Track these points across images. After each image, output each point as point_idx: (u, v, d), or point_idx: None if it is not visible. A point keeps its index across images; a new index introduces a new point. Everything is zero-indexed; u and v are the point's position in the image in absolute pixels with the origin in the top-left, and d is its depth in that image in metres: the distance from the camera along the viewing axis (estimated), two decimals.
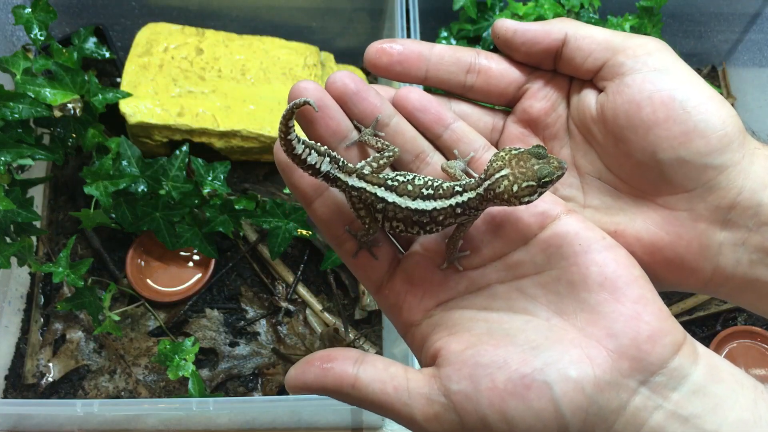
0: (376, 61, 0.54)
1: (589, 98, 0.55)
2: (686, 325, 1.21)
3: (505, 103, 0.58)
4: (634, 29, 1.23)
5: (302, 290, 1.20)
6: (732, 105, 1.39)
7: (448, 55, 0.55)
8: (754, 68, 1.40)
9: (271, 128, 1.20)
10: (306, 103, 0.50)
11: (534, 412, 0.45)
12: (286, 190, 1.21)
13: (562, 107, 0.57)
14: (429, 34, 1.27)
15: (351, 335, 1.16)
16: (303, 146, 0.51)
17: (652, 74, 0.51)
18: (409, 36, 1.14)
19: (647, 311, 0.47)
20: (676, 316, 1.20)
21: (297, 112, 0.51)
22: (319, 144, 0.51)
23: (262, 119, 1.20)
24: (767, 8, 1.34)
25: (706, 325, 1.23)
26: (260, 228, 1.24)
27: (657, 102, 0.50)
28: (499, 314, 0.50)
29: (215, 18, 1.34)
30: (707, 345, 1.19)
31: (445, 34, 1.28)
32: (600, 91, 0.54)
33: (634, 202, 0.54)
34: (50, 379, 1.13)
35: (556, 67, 0.56)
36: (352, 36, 1.39)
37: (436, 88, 0.57)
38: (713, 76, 1.47)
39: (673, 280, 0.53)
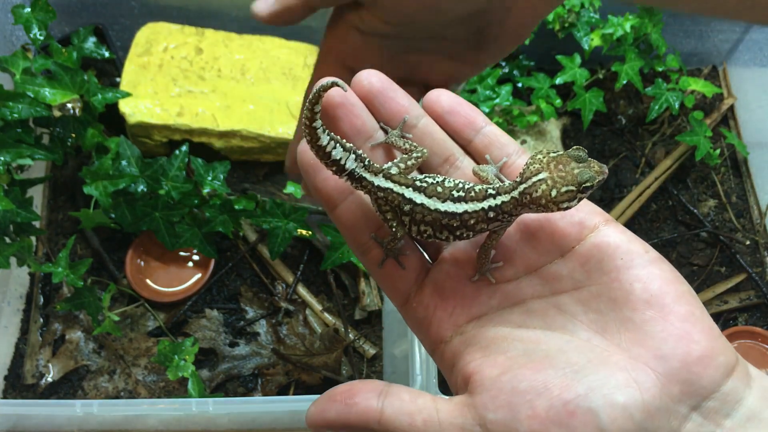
0: None
1: None
2: None
3: None
4: (635, 29, 1.23)
5: (302, 290, 1.20)
6: (733, 105, 1.40)
7: None
8: (755, 68, 1.40)
9: (270, 128, 1.20)
10: (334, 84, 0.47)
11: None
12: (286, 190, 1.21)
13: None
14: None
15: (351, 335, 1.16)
16: (329, 138, 0.48)
17: None
18: None
19: (697, 330, 0.44)
20: None
21: (322, 103, 0.49)
22: (344, 140, 0.49)
23: (261, 119, 1.20)
24: None
25: None
26: (260, 228, 1.23)
27: None
28: (536, 333, 0.47)
29: (215, 17, 1.34)
30: None
31: None
32: None
33: None
34: (49, 380, 1.13)
35: None
36: None
37: None
38: (714, 76, 1.47)
39: None
